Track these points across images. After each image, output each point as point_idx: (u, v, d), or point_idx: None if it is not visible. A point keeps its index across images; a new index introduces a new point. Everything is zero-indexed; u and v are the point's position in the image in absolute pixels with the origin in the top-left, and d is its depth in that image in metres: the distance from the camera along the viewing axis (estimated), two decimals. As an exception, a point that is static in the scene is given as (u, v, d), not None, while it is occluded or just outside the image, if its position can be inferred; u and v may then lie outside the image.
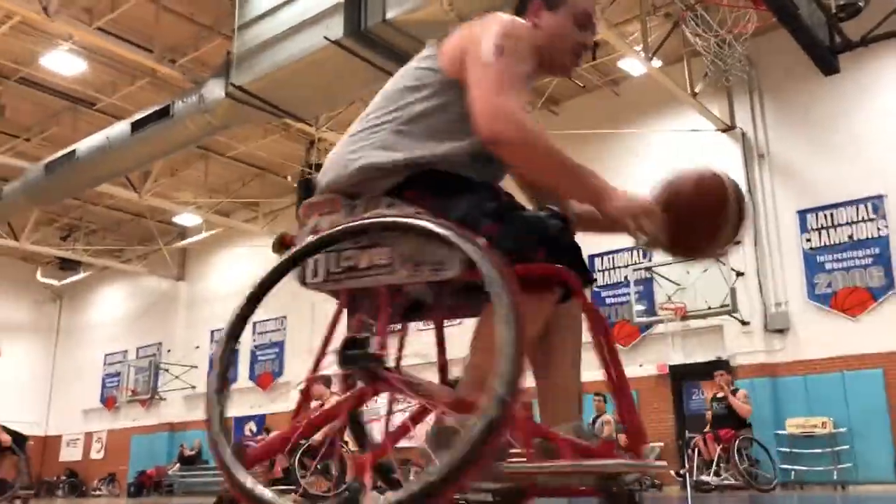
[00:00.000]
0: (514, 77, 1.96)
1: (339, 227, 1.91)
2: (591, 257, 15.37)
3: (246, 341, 20.94)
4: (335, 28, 9.03)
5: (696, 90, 13.48)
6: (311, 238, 1.96)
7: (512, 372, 1.59)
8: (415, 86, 2.09)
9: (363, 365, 1.83)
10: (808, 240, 13.12)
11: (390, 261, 1.86)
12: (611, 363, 2.00)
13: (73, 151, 13.28)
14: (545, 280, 1.87)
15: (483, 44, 1.97)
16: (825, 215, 13.03)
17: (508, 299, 1.64)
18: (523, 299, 1.67)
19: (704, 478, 10.75)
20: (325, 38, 9.03)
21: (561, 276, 1.89)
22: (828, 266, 12.86)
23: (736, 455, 10.55)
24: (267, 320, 20.66)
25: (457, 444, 1.56)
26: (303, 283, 2.01)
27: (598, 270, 15.28)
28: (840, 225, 12.88)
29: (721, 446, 10.92)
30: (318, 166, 16.23)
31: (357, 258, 1.91)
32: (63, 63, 14.55)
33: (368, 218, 1.89)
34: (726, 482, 10.73)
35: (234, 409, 20.65)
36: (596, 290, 15.26)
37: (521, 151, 1.95)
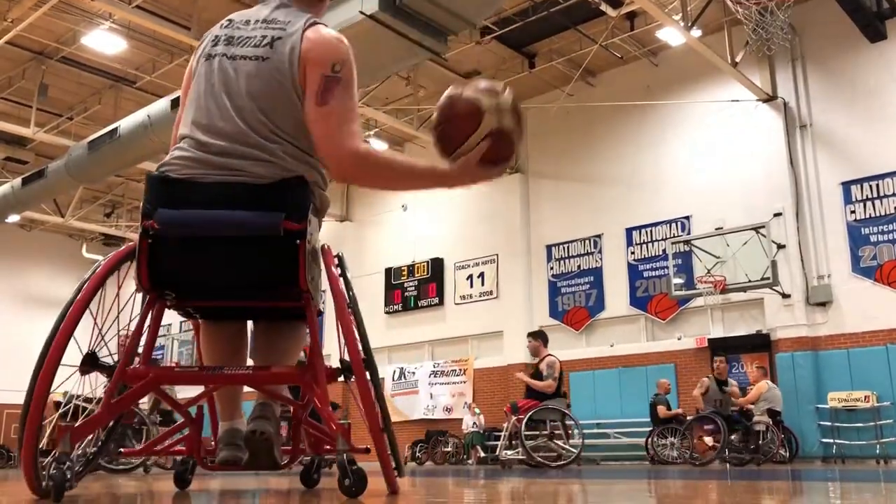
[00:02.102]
0: (353, 113, 2.17)
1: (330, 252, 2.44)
2: (629, 230, 15.29)
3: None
4: (371, 2, 9.01)
5: (737, 60, 13.22)
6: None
7: None
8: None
9: None
10: (853, 211, 12.87)
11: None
12: None
13: (116, 129, 13.49)
14: None
15: (320, 80, 2.17)
16: (870, 186, 12.76)
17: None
18: None
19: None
20: (361, 12, 9.02)
21: None
22: (872, 238, 12.62)
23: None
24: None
25: None
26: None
27: (636, 244, 15.19)
28: (886, 196, 12.61)
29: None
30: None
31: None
32: (104, 42, 14.74)
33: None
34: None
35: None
36: (633, 263, 15.18)
37: (370, 183, 2.25)
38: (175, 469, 2.91)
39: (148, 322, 2.41)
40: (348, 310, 2.36)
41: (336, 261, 2.47)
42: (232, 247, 2.14)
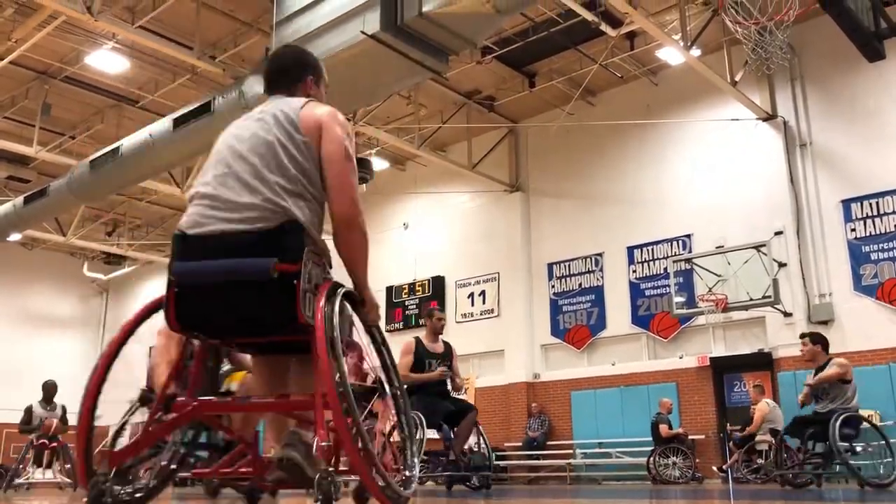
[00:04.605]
0: (355, 182, 2.59)
1: (337, 286, 2.57)
2: (631, 249, 15.30)
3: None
4: (372, 22, 9.06)
5: (737, 79, 13.29)
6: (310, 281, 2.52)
7: None
8: None
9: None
10: (853, 229, 12.87)
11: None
12: None
13: (118, 148, 13.52)
14: None
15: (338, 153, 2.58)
16: (870, 204, 12.78)
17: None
18: None
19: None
20: (362, 32, 9.06)
21: None
22: (873, 256, 12.62)
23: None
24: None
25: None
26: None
27: (638, 262, 15.19)
28: (886, 214, 12.62)
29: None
30: (358, 161, 16.32)
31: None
32: (107, 61, 14.83)
33: (340, 285, 2.61)
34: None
35: None
36: (635, 281, 15.17)
37: (357, 248, 2.62)
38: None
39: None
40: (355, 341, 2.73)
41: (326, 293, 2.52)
42: (238, 291, 2.41)
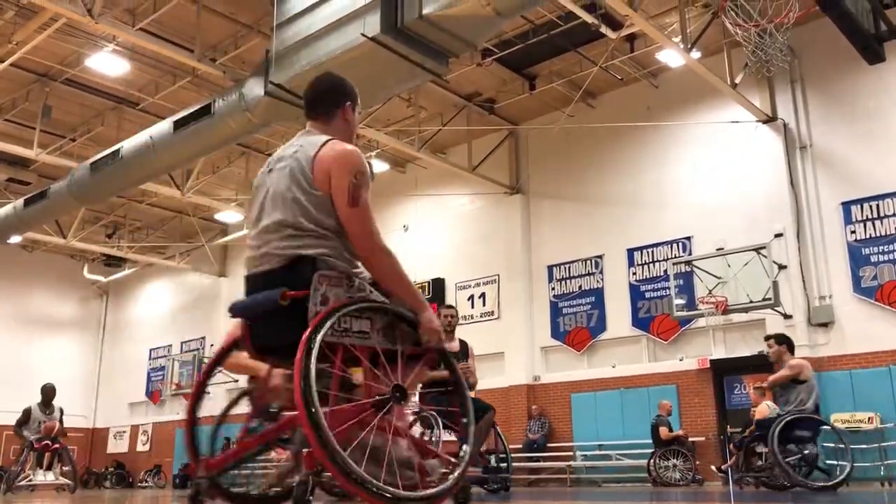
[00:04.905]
0: (372, 211, 2.84)
1: (346, 304, 2.73)
2: (631, 251, 15.30)
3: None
4: (372, 24, 9.07)
5: (737, 81, 13.29)
6: (321, 303, 2.74)
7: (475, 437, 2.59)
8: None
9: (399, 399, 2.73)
10: (853, 231, 12.88)
11: (369, 330, 2.76)
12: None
13: (118, 150, 13.54)
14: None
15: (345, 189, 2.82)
16: (870, 206, 12.78)
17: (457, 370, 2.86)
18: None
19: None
20: (363, 34, 9.08)
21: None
22: (873, 259, 12.62)
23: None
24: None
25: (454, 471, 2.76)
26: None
27: (638, 264, 15.19)
28: (886, 216, 12.63)
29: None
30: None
31: (351, 323, 2.72)
32: (107, 64, 14.84)
33: (363, 301, 2.79)
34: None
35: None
36: (635, 283, 15.17)
37: (385, 274, 2.89)
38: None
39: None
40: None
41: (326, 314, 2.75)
42: (268, 318, 2.82)
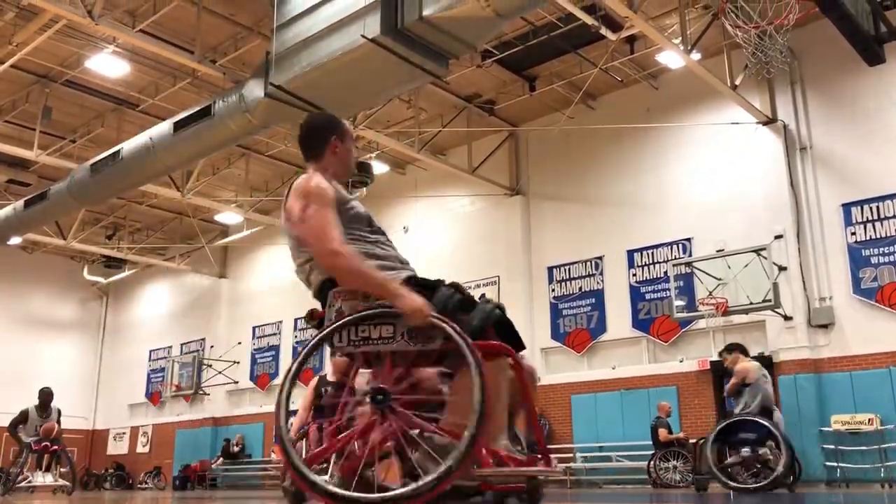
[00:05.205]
0: (328, 223, 2.93)
1: (360, 314, 2.81)
2: (631, 252, 15.29)
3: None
4: (372, 26, 9.07)
5: (737, 83, 13.29)
6: (336, 319, 2.87)
7: (480, 413, 2.55)
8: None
9: (388, 406, 2.70)
10: (853, 233, 12.87)
11: (392, 334, 2.77)
12: (526, 403, 3.12)
13: (118, 152, 13.53)
14: (496, 351, 2.87)
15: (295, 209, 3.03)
16: (870, 208, 12.78)
17: (476, 364, 2.62)
18: (484, 363, 2.64)
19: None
20: (363, 36, 9.07)
21: (504, 348, 2.92)
22: (873, 260, 12.61)
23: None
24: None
25: (452, 455, 2.53)
26: (331, 346, 2.86)
27: (638, 266, 15.18)
28: (886, 218, 12.62)
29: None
30: (359, 164, 16.35)
31: (370, 331, 2.79)
32: (107, 65, 14.85)
33: (379, 307, 2.79)
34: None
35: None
36: (635, 284, 15.17)
37: (343, 274, 2.93)
38: None
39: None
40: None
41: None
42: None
